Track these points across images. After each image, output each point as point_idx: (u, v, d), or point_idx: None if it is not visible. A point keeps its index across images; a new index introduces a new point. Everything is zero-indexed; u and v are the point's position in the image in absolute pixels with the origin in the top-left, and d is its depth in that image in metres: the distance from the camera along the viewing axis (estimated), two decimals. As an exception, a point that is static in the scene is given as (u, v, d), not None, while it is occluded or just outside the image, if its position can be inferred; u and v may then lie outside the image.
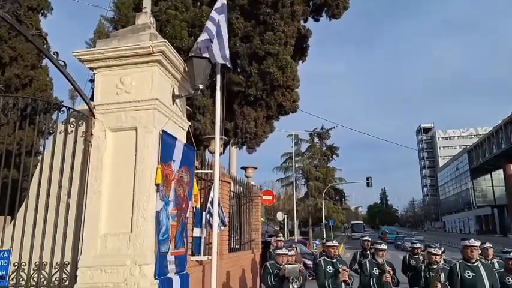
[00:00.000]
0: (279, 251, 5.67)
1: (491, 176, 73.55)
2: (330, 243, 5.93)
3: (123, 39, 3.98)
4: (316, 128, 42.01)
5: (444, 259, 6.52)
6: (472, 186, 76.23)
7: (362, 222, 74.87)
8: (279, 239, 8.78)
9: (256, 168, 9.38)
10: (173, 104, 4.27)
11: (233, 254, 7.49)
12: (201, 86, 4.18)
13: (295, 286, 5.24)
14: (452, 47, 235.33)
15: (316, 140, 42.11)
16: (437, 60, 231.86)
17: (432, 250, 5.97)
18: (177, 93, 4.32)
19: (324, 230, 33.98)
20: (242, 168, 9.56)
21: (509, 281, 5.45)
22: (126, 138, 3.86)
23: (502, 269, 5.91)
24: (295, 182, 33.39)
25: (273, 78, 8.88)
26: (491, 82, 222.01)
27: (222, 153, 9.97)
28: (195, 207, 5.29)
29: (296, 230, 29.79)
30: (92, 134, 3.87)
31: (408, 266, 7.94)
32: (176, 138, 4.18)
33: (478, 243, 5.14)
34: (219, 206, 5.62)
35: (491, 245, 7.23)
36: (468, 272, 4.88)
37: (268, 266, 5.54)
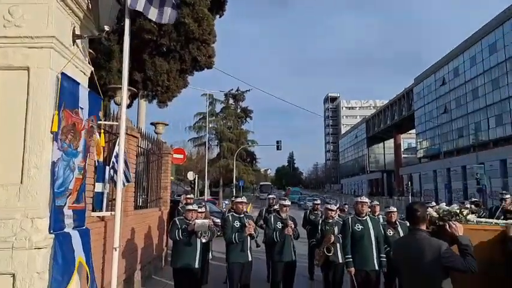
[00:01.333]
0: (189, 207, 5.67)
1: (384, 145, 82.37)
2: (238, 200, 6.10)
3: (11, -39, 3.37)
4: (232, 90, 41.99)
5: (339, 215, 7.17)
6: (367, 153, 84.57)
7: (270, 183, 78.60)
8: (188, 196, 8.79)
9: (167, 125, 9.05)
10: (73, 45, 3.81)
11: (139, 211, 7.30)
12: (106, 28, 3.78)
13: (203, 240, 5.33)
14: (364, 22, 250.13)
15: (231, 101, 42.16)
16: (350, 34, 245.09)
17: (329, 206, 6.55)
18: (78, 33, 3.86)
19: (234, 190, 34.96)
20: (152, 124, 9.14)
21: (390, 233, 6.25)
22: (16, 78, 3.37)
23: (385, 223, 6.75)
24: (208, 142, 33.34)
25: (188, 30, 8.39)
26: (395, 59, 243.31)
27: (129, 105, 9.38)
28: (98, 160, 4.95)
29: (207, 190, 30.13)
30: (-29, 71, 3.30)
31: (308, 221, 8.65)
32: (79, 83, 3.78)
33: (367, 200, 5.76)
34: (124, 161, 5.36)
35: (378, 203, 8.16)
36: (358, 225, 5.46)
37: (177, 221, 5.53)
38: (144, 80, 9.09)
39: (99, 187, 5.26)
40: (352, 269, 5.31)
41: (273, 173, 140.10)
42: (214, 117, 39.83)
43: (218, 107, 41.52)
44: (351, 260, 5.33)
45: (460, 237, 3.03)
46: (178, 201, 9.75)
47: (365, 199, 5.70)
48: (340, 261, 5.88)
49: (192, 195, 9.52)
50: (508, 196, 7.13)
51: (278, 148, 34.67)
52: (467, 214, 3.25)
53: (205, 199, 24.53)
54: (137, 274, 7.09)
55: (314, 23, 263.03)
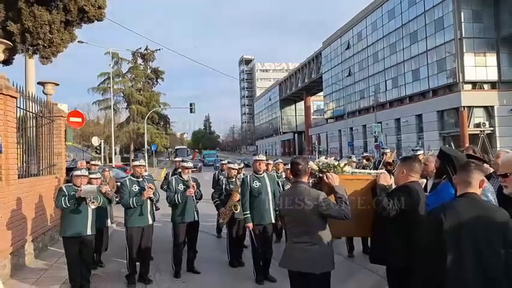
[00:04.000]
0: (76, 172, 5.25)
1: (295, 107, 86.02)
2: (136, 163, 5.86)
3: None
4: (140, 48, 39.20)
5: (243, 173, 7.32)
6: (280, 115, 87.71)
7: (186, 147, 77.57)
8: (93, 163, 8.27)
9: (57, 84, 8.10)
10: None
11: (26, 179, 6.61)
12: None
13: (92, 206, 5.02)
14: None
15: (140, 61, 39.46)
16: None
17: (231, 166, 6.64)
18: None
19: (146, 155, 33.56)
20: (39, 83, 8.10)
21: (288, 186, 6.59)
22: None
23: (285, 179, 7.09)
24: (113, 105, 31.10)
25: (70, -25, 7.43)
26: (308, 22, 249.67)
27: (7, 62, 8.17)
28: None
29: (115, 156, 28.47)
30: None
31: (217, 181, 8.70)
32: None
33: (264, 158, 5.95)
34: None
35: (281, 161, 8.54)
36: (256, 182, 5.63)
37: (64, 189, 5.11)
38: (22, 32, 7.85)
39: (-35, 154, 4.60)
40: (250, 225, 5.50)
41: (190, 137, 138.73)
42: (121, 78, 36.97)
43: (125, 67, 38.60)
44: (249, 215, 5.51)
45: (336, 187, 3.25)
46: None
47: (262, 157, 5.88)
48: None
49: (97, 162, 8.91)
50: (388, 150, 7.96)
51: (192, 111, 33.63)
52: (344, 166, 3.49)
53: (113, 165, 23.35)
54: (28, 246, 6.54)
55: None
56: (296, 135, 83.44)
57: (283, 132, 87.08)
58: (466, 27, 34.13)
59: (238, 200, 6.14)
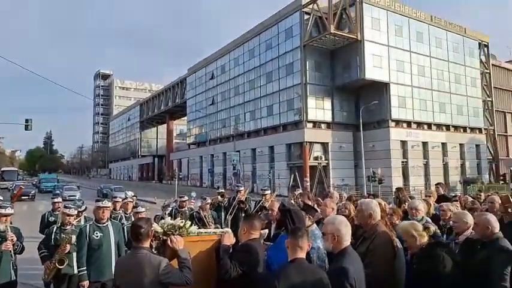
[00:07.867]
0: None
1: (157, 129, 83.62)
2: None
3: None
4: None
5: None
6: (140, 137, 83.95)
7: (16, 169, 65.93)
8: None
9: None
10: None
11: None
12: None
13: None
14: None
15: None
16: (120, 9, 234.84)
17: (67, 211, 5.52)
18: None
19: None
20: None
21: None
22: None
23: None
24: None
25: None
26: (174, 44, 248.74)
27: None
28: None
29: None
30: None
31: (47, 224, 7.04)
32: None
33: (109, 204, 5.27)
34: None
35: (131, 200, 7.89)
36: (97, 233, 4.94)
37: None
38: None
39: None
40: (86, 283, 4.76)
41: (23, 156, 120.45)
42: None
43: None
44: (85, 272, 4.78)
45: (179, 251, 3.07)
46: None
47: (107, 203, 5.16)
48: (75, 272, 5.20)
49: None
50: (242, 188, 8.27)
51: (27, 128, 27.48)
52: (190, 226, 3.31)
53: None
54: None
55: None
56: (156, 159, 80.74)
57: (142, 156, 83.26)
58: (309, 74, 39.45)
59: (68, 252, 5.18)
